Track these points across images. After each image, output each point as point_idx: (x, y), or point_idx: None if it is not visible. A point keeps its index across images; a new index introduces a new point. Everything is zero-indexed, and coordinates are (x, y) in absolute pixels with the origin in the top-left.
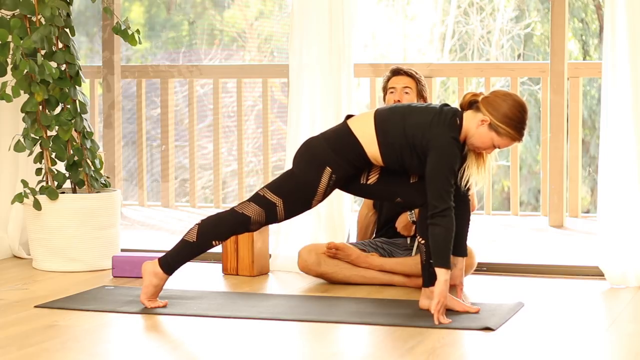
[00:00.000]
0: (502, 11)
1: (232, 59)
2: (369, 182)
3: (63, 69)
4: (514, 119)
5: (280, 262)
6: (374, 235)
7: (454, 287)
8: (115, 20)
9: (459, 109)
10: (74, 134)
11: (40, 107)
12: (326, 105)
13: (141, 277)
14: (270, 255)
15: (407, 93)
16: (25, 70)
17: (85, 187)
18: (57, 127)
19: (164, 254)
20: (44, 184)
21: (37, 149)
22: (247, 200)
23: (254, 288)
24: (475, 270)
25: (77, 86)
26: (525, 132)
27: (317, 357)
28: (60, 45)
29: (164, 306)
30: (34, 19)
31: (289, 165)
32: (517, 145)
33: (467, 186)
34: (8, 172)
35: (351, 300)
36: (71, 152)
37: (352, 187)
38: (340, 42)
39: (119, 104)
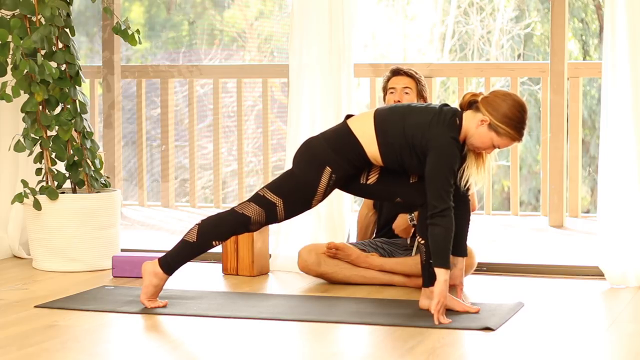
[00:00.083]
0: (502, 11)
1: (232, 59)
2: (368, 182)
3: (63, 69)
4: (513, 119)
5: (280, 262)
6: (374, 235)
7: (454, 287)
8: (115, 20)
9: (459, 109)
10: (74, 134)
11: (40, 107)
12: (326, 105)
13: (141, 277)
14: (270, 255)
15: (407, 93)
16: (25, 70)
17: (85, 187)
18: (57, 127)
19: (164, 254)
20: (44, 184)
21: (37, 149)
22: (247, 201)
23: (254, 288)
24: (475, 270)
25: (77, 86)
26: (525, 132)
27: (317, 357)
28: (60, 45)
29: (164, 306)
30: (34, 19)
31: (289, 165)
32: (517, 145)
33: (466, 186)
34: (8, 172)
35: (351, 300)
36: (71, 152)
37: (352, 187)
38: (340, 42)
39: (119, 104)
